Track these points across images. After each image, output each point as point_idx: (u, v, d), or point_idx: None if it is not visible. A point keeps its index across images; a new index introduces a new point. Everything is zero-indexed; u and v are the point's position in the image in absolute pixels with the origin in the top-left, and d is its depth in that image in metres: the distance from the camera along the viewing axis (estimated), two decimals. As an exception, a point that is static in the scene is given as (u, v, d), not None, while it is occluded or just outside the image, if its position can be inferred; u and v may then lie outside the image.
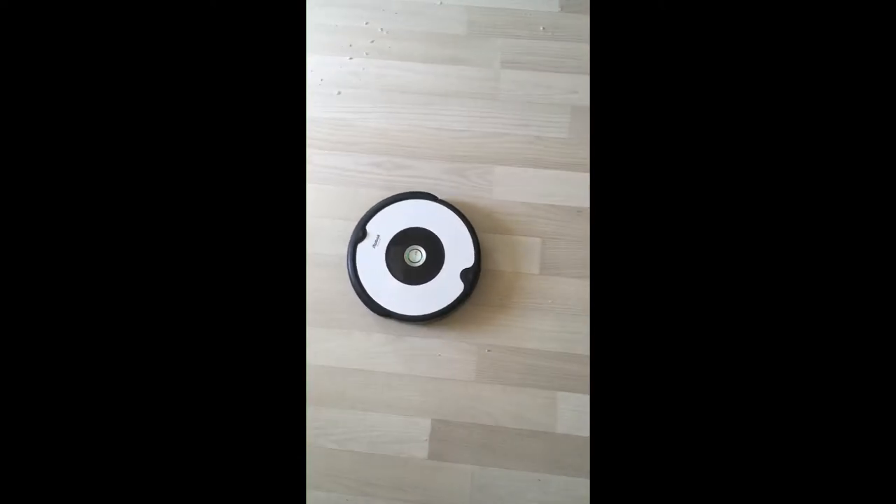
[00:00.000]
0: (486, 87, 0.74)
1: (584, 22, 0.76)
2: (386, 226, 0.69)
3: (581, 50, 0.75)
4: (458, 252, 0.68)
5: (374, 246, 0.68)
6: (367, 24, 0.77)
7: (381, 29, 0.77)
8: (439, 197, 0.69)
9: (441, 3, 0.77)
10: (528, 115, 0.73)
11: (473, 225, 0.68)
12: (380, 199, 0.70)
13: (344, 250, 0.69)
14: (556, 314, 0.67)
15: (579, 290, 0.67)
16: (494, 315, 0.67)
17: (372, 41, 0.76)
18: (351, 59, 0.76)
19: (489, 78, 0.75)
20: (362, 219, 0.69)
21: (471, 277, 0.67)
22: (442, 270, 0.67)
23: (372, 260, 0.68)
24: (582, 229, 0.69)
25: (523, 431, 0.64)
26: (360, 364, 0.66)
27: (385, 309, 0.66)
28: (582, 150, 0.71)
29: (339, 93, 0.75)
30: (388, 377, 0.66)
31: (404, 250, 0.68)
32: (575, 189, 0.70)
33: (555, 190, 0.70)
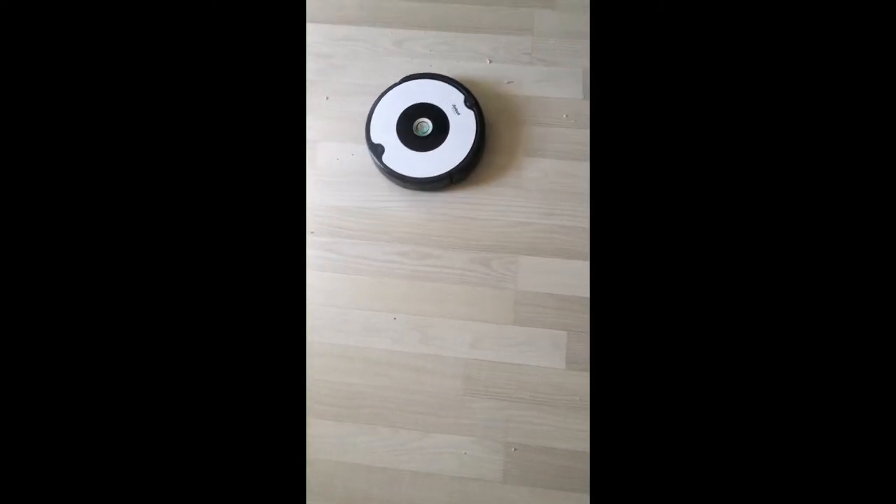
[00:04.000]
0: (511, 175, 0.75)
1: (607, 109, 0.76)
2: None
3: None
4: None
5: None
6: (392, 112, 0.78)
7: (407, 117, 0.78)
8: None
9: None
10: (553, 204, 0.73)
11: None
12: (405, 284, 0.71)
13: (375, 342, 0.70)
14: (586, 411, 0.66)
15: (608, 385, 0.66)
16: (519, 412, 0.66)
17: (397, 129, 0.78)
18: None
19: (514, 167, 0.75)
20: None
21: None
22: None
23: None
24: (609, 322, 0.68)
25: (553, 536, 0.62)
26: (385, 462, 0.66)
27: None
28: (608, 239, 0.71)
29: (365, 181, 0.76)
30: (412, 476, 0.65)
31: (412, 129, 0.75)
32: (601, 280, 0.70)
33: (580, 281, 0.70)
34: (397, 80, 0.76)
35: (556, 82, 0.77)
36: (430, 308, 0.71)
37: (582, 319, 0.69)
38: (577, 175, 0.74)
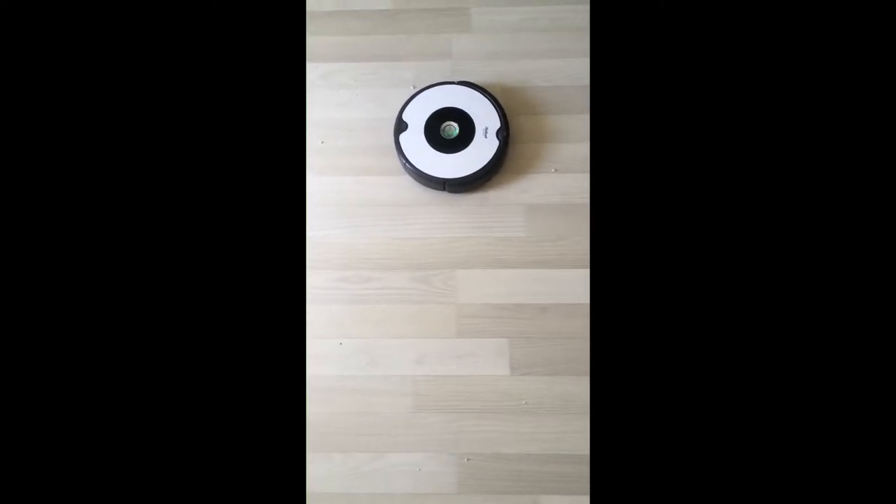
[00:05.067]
0: (440, 193, 0.77)
1: (527, 123, 0.80)
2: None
3: (527, 150, 0.78)
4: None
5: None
6: (322, 143, 0.80)
7: (337, 146, 0.80)
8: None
9: (391, 116, 0.81)
10: (486, 217, 0.76)
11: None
12: (354, 300, 0.72)
13: (323, 370, 0.70)
14: (532, 414, 0.67)
15: (552, 387, 0.68)
16: (469, 422, 0.67)
17: (329, 159, 0.79)
18: (309, 178, 0.79)
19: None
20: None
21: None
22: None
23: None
24: (548, 326, 0.71)
25: (511, 541, 0.63)
26: (341, 488, 0.66)
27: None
28: (540, 247, 0.74)
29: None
30: (369, 499, 0.65)
31: (440, 126, 0.77)
32: (538, 286, 0.72)
33: (518, 289, 0.72)
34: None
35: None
36: (375, 330, 0.72)
37: (521, 325, 0.71)
38: (507, 187, 0.77)
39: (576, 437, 0.66)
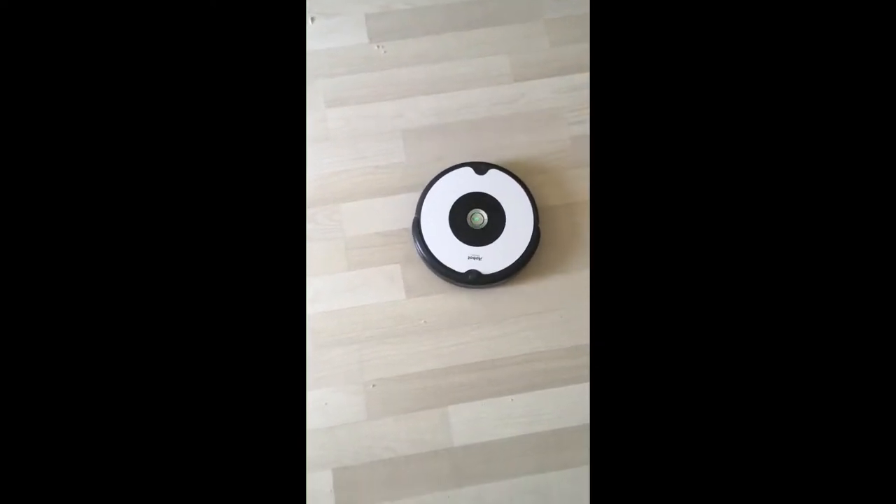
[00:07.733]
0: (315, 129, 0.75)
1: (397, 50, 0.78)
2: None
3: (398, 75, 0.77)
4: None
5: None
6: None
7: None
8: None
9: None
10: (363, 148, 0.74)
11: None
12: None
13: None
14: (432, 332, 0.68)
15: (447, 302, 0.69)
16: (370, 350, 0.67)
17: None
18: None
19: (317, 120, 0.75)
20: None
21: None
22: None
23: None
24: (437, 245, 0.71)
25: (424, 454, 0.64)
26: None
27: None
28: (421, 169, 0.73)
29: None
30: (280, 440, 0.64)
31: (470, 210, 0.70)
32: (422, 208, 0.72)
33: (404, 214, 0.72)
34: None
35: (340, 33, 0.78)
36: (264, 276, 0.70)
37: (411, 249, 0.71)
38: (380, 116, 0.75)
39: (474, 345, 0.67)
